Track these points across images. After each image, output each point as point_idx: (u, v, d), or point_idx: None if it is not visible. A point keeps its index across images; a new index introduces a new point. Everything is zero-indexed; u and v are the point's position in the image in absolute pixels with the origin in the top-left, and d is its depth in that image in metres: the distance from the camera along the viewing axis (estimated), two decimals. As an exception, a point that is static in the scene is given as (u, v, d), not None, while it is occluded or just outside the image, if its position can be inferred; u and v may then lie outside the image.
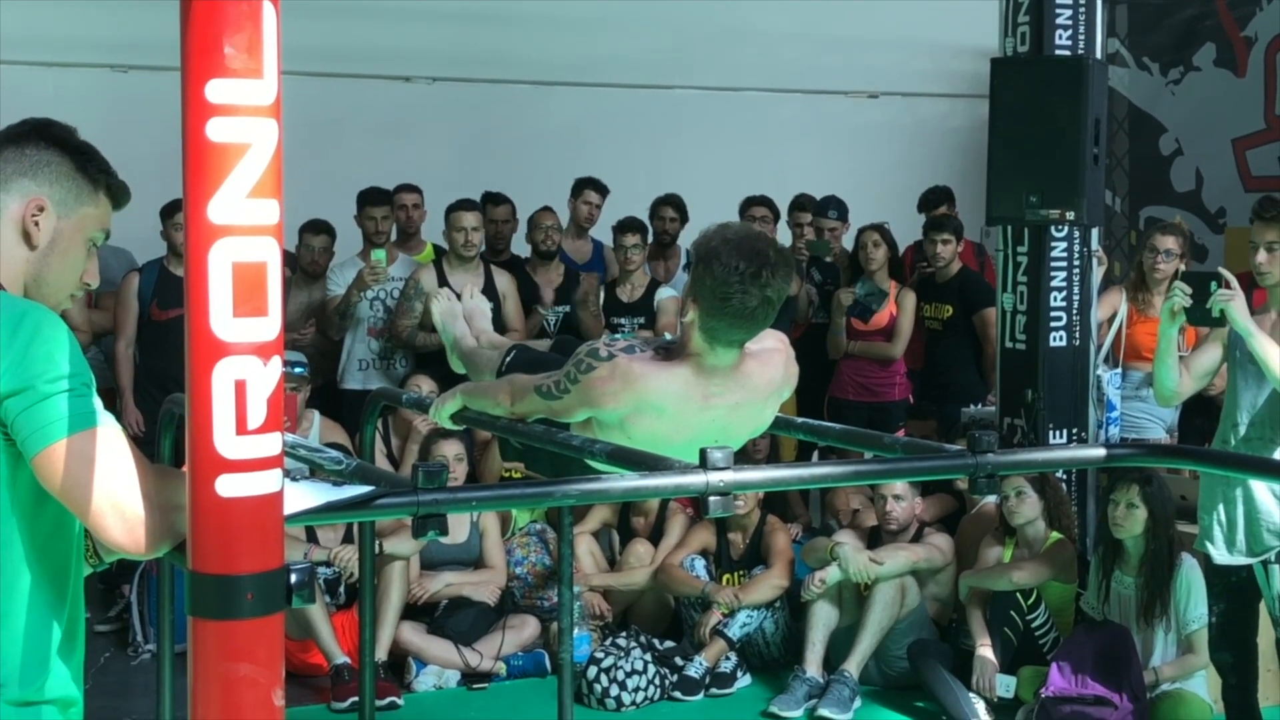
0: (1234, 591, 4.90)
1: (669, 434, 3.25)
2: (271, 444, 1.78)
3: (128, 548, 2.04)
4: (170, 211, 6.76)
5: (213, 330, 1.73)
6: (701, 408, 3.28)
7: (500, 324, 7.13)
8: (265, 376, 1.76)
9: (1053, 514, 5.92)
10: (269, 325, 1.76)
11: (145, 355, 6.98)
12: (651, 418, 3.26)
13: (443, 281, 7.11)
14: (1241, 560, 4.77)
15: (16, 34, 7.30)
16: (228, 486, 1.75)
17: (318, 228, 7.41)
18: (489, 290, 7.15)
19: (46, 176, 2.28)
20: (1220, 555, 4.81)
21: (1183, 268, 6.49)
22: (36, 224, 2.27)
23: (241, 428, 1.75)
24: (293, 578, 1.83)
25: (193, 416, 1.76)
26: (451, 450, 6.35)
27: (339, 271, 7.33)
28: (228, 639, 1.78)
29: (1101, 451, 3.26)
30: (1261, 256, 4.60)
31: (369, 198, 7.40)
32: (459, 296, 4.58)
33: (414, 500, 2.32)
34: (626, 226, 7.60)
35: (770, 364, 3.38)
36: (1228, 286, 4.48)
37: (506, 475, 6.70)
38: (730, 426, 3.34)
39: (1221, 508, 4.76)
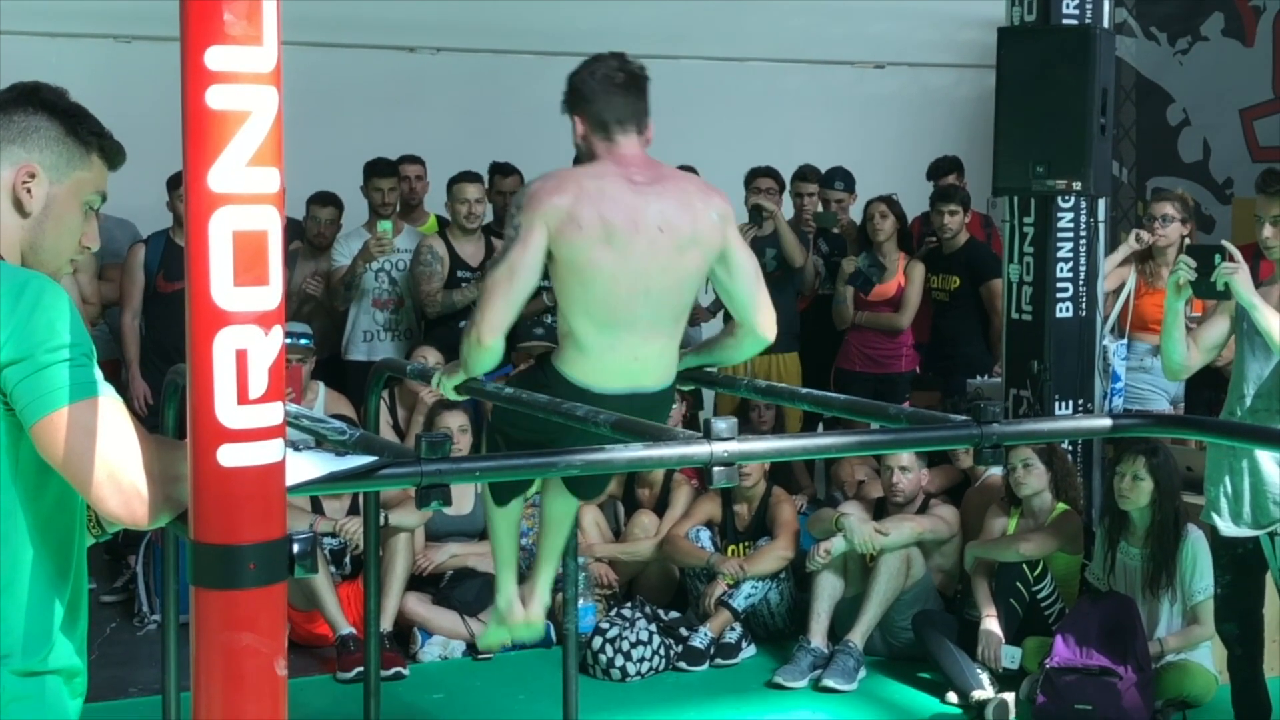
0: (1240, 563, 4.89)
1: (616, 269, 3.53)
2: (273, 413, 1.78)
3: (125, 520, 2.04)
4: (176, 183, 6.74)
5: (214, 299, 1.73)
6: (635, 195, 3.57)
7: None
8: (266, 346, 1.76)
9: (1059, 485, 5.91)
10: (270, 294, 1.76)
11: (151, 327, 6.97)
12: (599, 238, 3.51)
13: (451, 252, 7.10)
14: (1248, 532, 4.76)
15: (19, 4, 7.27)
16: (229, 456, 1.75)
17: (324, 199, 7.39)
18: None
19: (36, 142, 2.25)
20: (1226, 527, 4.80)
21: (1186, 234, 6.49)
22: (29, 191, 2.24)
23: (243, 397, 1.75)
24: (295, 547, 1.83)
25: (194, 386, 1.75)
26: (456, 421, 6.35)
27: (344, 243, 7.32)
28: (230, 608, 1.78)
29: (1107, 422, 3.25)
30: (1268, 230, 4.59)
31: (375, 169, 7.39)
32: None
33: (418, 470, 2.32)
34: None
35: (682, 174, 3.87)
36: (1232, 260, 4.47)
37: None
38: (671, 266, 3.60)
39: (1228, 479, 4.75)
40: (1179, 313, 4.68)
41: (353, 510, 6.29)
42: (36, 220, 2.26)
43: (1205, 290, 4.54)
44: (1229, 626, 5.03)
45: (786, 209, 7.99)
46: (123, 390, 6.66)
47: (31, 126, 2.26)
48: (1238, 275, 4.44)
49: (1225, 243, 4.58)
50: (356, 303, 7.27)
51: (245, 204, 1.72)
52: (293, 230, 6.89)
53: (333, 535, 6.24)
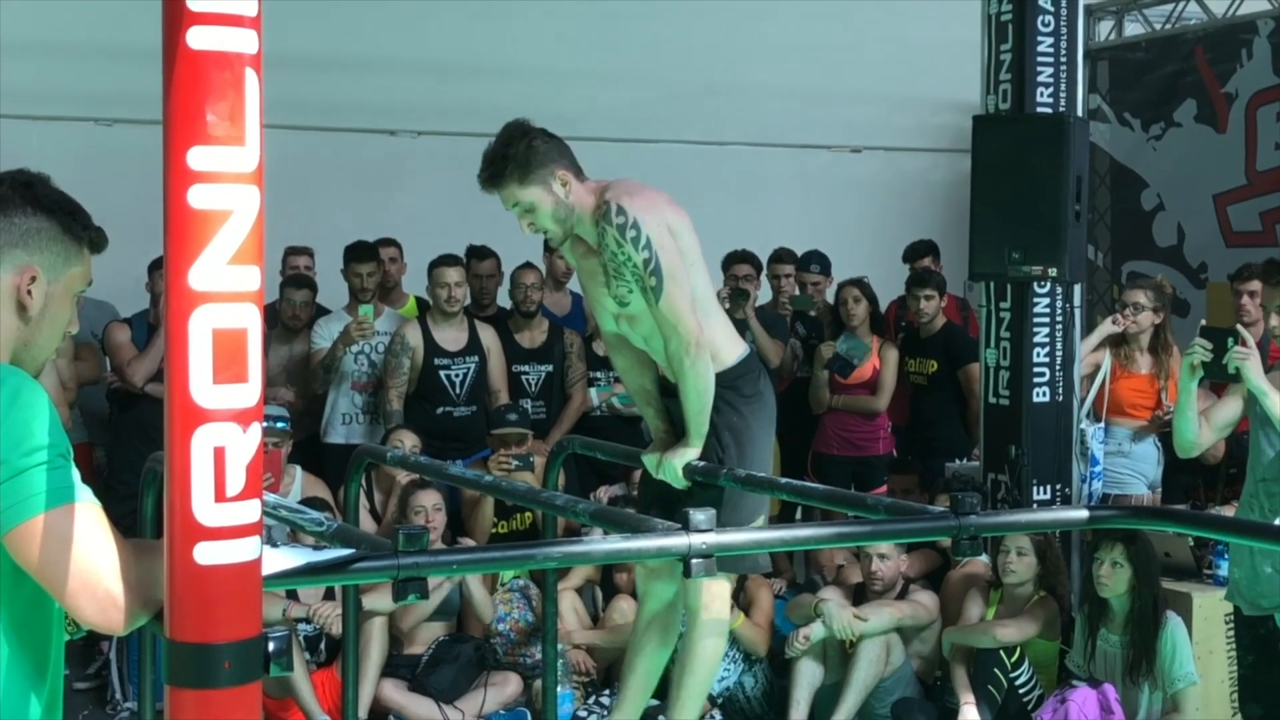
0: (1263, 643, 4.89)
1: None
2: (250, 511, 1.77)
3: (101, 627, 2.02)
4: (159, 264, 6.73)
5: (192, 397, 1.72)
6: None
7: (484, 381, 7.13)
8: (245, 443, 1.75)
9: (1047, 581, 5.88)
10: (249, 392, 1.75)
11: (127, 406, 6.93)
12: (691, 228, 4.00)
13: (428, 337, 7.09)
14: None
15: (1, 86, 7.30)
16: (206, 554, 1.74)
17: (299, 282, 7.39)
18: (473, 345, 7.13)
19: (37, 244, 2.22)
20: (1250, 607, 4.81)
21: (1159, 321, 6.53)
22: (30, 294, 2.22)
23: (220, 495, 1.74)
24: (271, 645, 1.82)
25: (171, 483, 1.74)
26: (430, 500, 6.31)
27: (324, 325, 7.30)
28: (205, 708, 1.76)
29: (1084, 513, 3.26)
30: (1275, 320, 4.65)
31: (355, 253, 7.37)
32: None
33: (394, 564, 2.31)
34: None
35: None
36: (1244, 345, 4.52)
37: (495, 531, 6.66)
38: None
39: (1252, 559, 4.76)
40: (1192, 392, 4.72)
41: (328, 595, 6.24)
42: (35, 322, 2.24)
43: (1217, 371, 4.59)
44: (1254, 708, 5.01)
45: (764, 292, 8.01)
46: (98, 476, 6.62)
47: (32, 229, 2.22)
48: (1249, 362, 4.49)
49: (1239, 327, 4.63)
50: (335, 385, 7.25)
51: (225, 302, 1.72)
52: (268, 315, 6.87)
53: (307, 621, 6.18)
